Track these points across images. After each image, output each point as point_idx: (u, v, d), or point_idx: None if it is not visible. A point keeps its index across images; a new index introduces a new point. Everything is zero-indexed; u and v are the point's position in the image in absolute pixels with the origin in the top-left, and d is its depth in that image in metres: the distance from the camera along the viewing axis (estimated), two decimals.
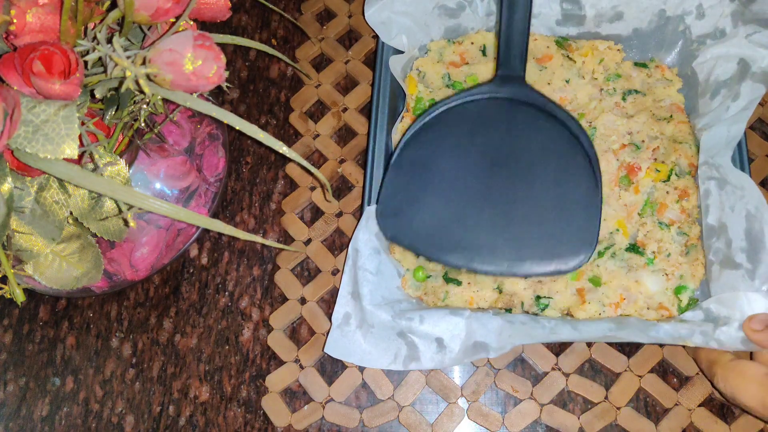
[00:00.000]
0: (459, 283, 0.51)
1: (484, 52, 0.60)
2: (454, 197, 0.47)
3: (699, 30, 0.56)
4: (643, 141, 0.55)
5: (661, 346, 0.51)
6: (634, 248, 0.52)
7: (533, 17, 0.59)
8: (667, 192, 0.53)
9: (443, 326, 0.47)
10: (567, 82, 0.58)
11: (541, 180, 0.47)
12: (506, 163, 0.47)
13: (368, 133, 0.54)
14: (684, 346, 0.50)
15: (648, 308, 0.50)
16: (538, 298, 0.50)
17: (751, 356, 0.45)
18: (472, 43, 0.60)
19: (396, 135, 0.56)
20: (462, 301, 0.51)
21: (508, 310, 0.50)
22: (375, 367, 0.47)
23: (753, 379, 0.43)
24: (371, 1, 0.57)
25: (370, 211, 0.50)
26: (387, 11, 0.56)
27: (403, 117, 0.57)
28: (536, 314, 0.50)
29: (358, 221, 0.50)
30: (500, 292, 0.51)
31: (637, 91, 0.58)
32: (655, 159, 0.55)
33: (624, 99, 0.57)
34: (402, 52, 0.57)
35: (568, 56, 0.59)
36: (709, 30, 0.55)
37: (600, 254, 0.52)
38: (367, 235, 0.49)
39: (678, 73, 0.58)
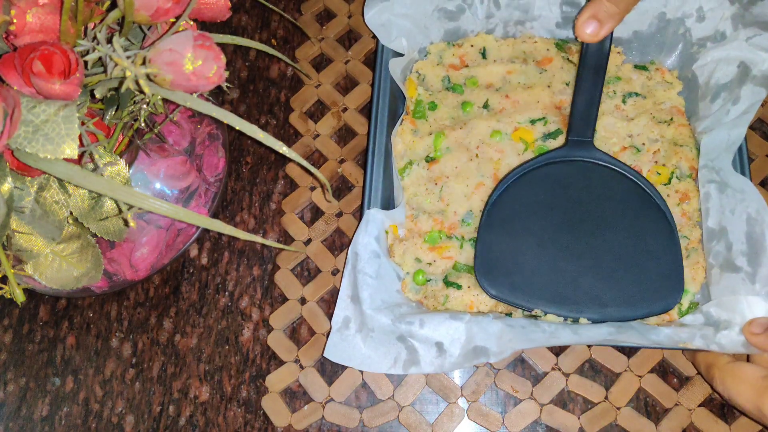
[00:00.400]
0: (459, 287, 0.51)
1: (483, 55, 0.60)
2: (544, 252, 0.51)
3: (699, 33, 0.56)
4: (643, 144, 0.55)
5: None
6: None
7: (533, 20, 0.59)
8: (668, 195, 0.53)
9: (443, 330, 0.47)
10: (567, 84, 0.58)
11: (622, 230, 0.51)
12: (587, 218, 0.51)
13: (368, 136, 0.54)
14: (683, 350, 0.50)
15: None
16: None
17: (748, 359, 0.45)
18: (472, 46, 0.60)
19: (396, 138, 0.56)
20: (462, 305, 0.51)
21: (508, 315, 0.50)
22: (375, 371, 0.47)
23: (748, 382, 0.43)
24: (371, 4, 0.57)
25: (370, 214, 0.50)
26: (387, 14, 0.56)
27: (402, 120, 0.57)
28: (536, 317, 0.50)
29: (358, 224, 0.50)
30: None
31: (637, 94, 0.58)
32: (656, 162, 0.55)
33: (624, 102, 0.57)
34: (401, 55, 0.57)
35: (568, 59, 0.59)
36: (709, 33, 0.55)
37: None
38: (366, 238, 0.49)
39: (678, 76, 0.58)
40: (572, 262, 0.50)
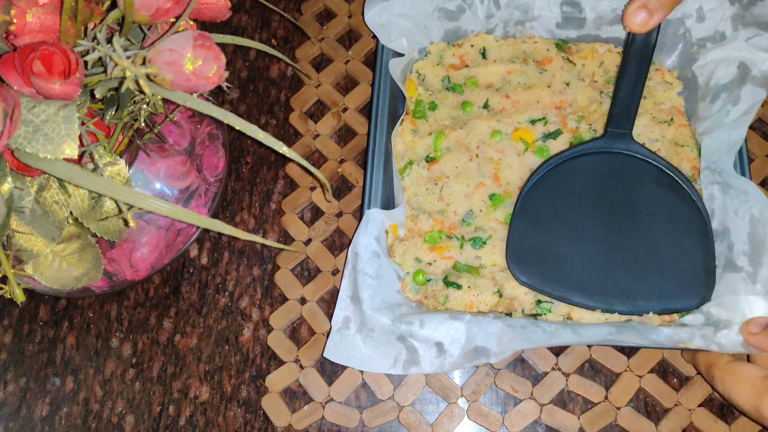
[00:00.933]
0: (459, 287, 0.51)
1: (483, 55, 0.60)
2: (577, 242, 0.51)
3: (699, 33, 0.56)
4: (643, 144, 0.55)
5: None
6: None
7: (533, 20, 0.59)
8: None
9: (443, 330, 0.47)
10: (567, 84, 0.58)
11: (656, 225, 0.51)
12: (621, 210, 0.51)
13: (368, 136, 0.54)
14: (682, 352, 0.50)
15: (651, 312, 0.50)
16: (539, 302, 0.50)
17: (749, 359, 0.45)
18: (472, 46, 0.60)
19: (396, 138, 0.56)
20: (462, 305, 0.51)
21: (508, 315, 0.50)
22: (375, 371, 0.47)
23: (747, 381, 0.43)
24: (371, 4, 0.57)
25: (370, 214, 0.50)
26: (387, 14, 0.56)
27: (402, 120, 0.57)
28: (537, 316, 0.50)
29: (358, 224, 0.50)
30: (500, 296, 0.51)
31: None
32: None
33: None
34: (401, 55, 0.57)
35: (568, 59, 0.59)
36: (709, 33, 0.55)
37: None
38: (366, 238, 0.49)
39: (678, 76, 0.58)
40: (604, 254, 0.50)
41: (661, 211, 0.51)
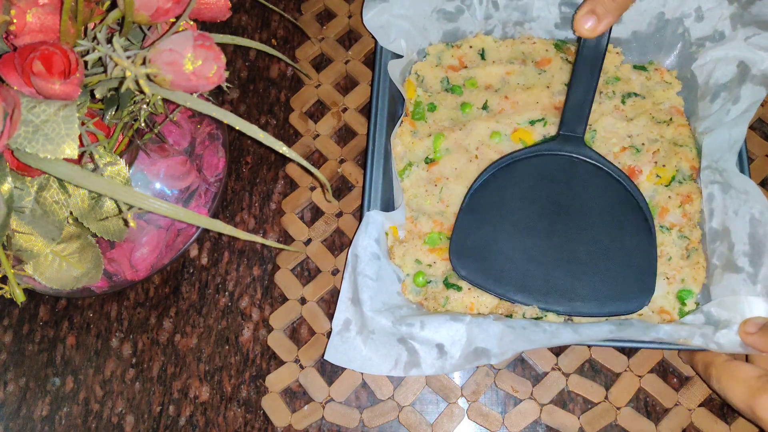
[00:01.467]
0: (459, 289, 0.51)
1: (482, 56, 0.60)
2: (521, 241, 0.51)
3: (698, 32, 0.56)
4: (643, 144, 0.55)
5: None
6: None
7: (532, 21, 0.59)
8: (669, 197, 0.53)
9: (444, 332, 0.47)
10: (566, 85, 0.58)
11: (600, 228, 0.51)
12: (567, 213, 0.52)
13: (368, 137, 0.54)
14: (679, 352, 0.50)
15: (652, 312, 0.50)
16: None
17: (747, 358, 0.45)
18: (471, 47, 0.60)
19: (395, 140, 0.56)
20: (462, 307, 0.51)
21: (509, 316, 0.50)
22: (375, 373, 0.47)
23: (742, 380, 0.43)
24: (369, 5, 0.56)
25: (370, 216, 0.50)
26: (385, 15, 0.56)
27: (402, 121, 0.57)
28: (538, 319, 0.50)
29: (358, 226, 0.50)
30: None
31: (636, 94, 0.58)
32: (656, 162, 0.54)
33: (623, 102, 0.57)
34: (400, 56, 0.57)
35: (566, 59, 0.59)
36: (708, 32, 0.55)
37: None
38: (366, 240, 0.49)
39: (677, 76, 0.58)
40: (547, 254, 0.51)
41: (606, 215, 0.51)
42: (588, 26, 0.45)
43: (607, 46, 0.51)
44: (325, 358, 0.48)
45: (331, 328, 0.53)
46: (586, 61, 0.51)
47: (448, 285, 0.51)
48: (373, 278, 0.49)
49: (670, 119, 0.56)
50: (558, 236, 0.51)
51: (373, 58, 0.57)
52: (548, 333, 0.46)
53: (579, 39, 0.51)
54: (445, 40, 0.61)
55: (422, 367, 0.47)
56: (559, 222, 0.52)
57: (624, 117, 0.57)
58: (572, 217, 0.52)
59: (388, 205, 0.53)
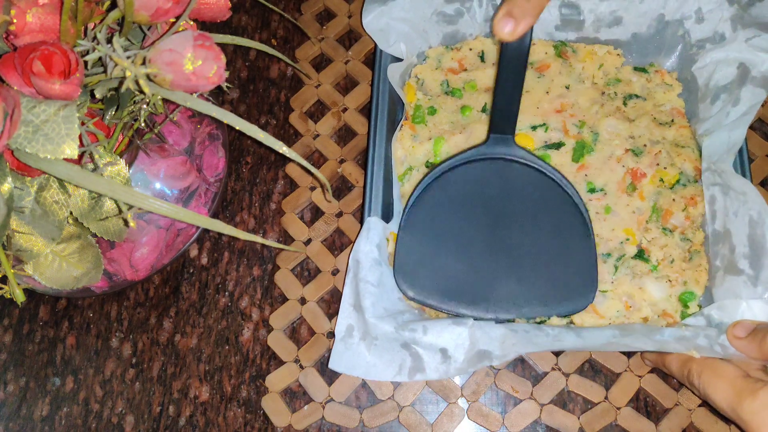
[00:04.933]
0: None
1: (482, 58, 0.60)
2: (462, 253, 0.50)
3: (698, 34, 0.56)
4: (644, 145, 0.55)
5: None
6: (639, 255, 0.52)
7: None
8: (674, 199, 0.53)
9: (447, 336, 0.47)
10: (567, 87, 0.58)
11: (539, 229, 0.50)
12: (506, 218, 0.51)
13: (368, 140, 0.54)
14: (642, 354, 0.50)
15: (657, 316, 0.50)
16: None
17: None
18: (471, 50, 0.60)
19: (395, 144, 0.56)
20: None
21: (511, 320, 0.50)
22: (380, 379, 0.47)
23: (726, 379, 0.42)
24: (369, 8, 0.56)
25: (371, 221, 0.50)
26: (385, 18, 0.56)
27: (402, 125, 0.57)
28: (541, 322, 0.50)
29: (359, 231, 0.50)
30: None
31: (637, 96, 0.58)
32: (658, 164, 0.54)
33: (625, 104, 0.57)
34: (400, 60, 0.57)
35: (567, 62, 0.59)
36: (708, 34, 0.55)
37: (615, 268, 0.52)
38: (367, 246, 0.49)
39: (678, 78, 0.58)
40: (489, 263, 0.50)
41: (543, 215, 0.51)
42: (507, 30, 0.44)
43: (529, 45, 0.48)
44: (329, 366, 0.47)
45: (331, 329, 0.53)
46: (510, 63, 0.48)
47: None
48: (374, 284, 0.48)
49: (672, 121, 0.56)
50: (499, 243, 0.50)
51: (373, 61, 0.57)
52: (551, 336, 0.46)
53: (500, 42, 0.49)
54: (444, 42, 0.60)
55: (427, 372, 0.46)
56: (498, 228, 0.51)
57: (626, 118, 0.57)
58: (511, 222, 0.51)
59: (389, 209, 0.53)
